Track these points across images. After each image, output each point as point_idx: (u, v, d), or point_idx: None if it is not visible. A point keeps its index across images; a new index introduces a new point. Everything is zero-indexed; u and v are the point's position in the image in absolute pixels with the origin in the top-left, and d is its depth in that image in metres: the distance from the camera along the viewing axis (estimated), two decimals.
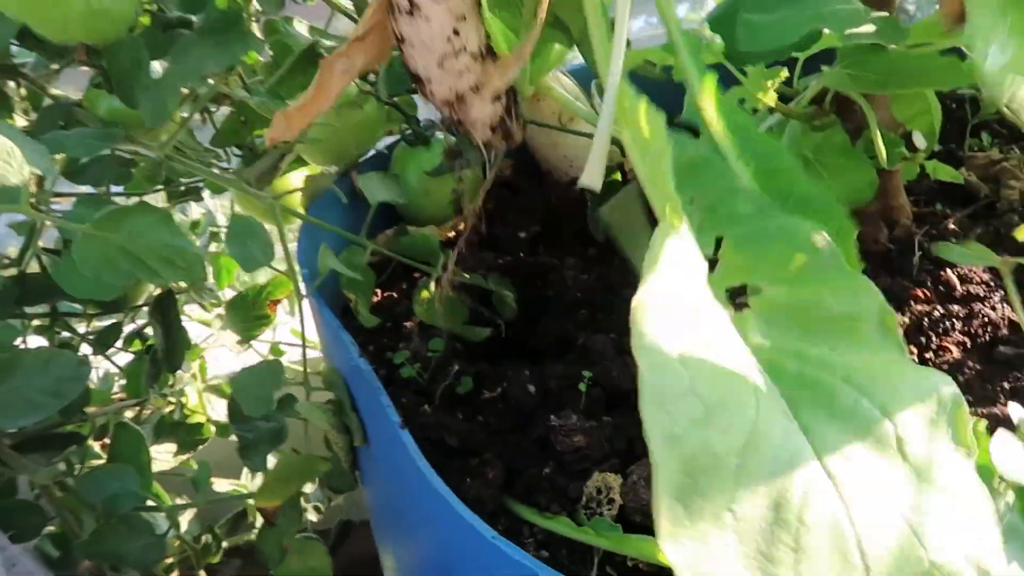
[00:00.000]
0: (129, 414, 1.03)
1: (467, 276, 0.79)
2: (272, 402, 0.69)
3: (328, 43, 0.80)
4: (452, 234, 0.91)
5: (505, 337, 0.81)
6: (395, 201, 0.83)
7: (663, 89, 0.76)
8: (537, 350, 0.79)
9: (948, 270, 0.73)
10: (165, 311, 0.88)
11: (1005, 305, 0.69)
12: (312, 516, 1.15)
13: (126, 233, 0.62)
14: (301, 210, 0.92)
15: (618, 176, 0.89)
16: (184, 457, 1.06)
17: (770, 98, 0.62)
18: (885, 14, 0.54)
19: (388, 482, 0.64)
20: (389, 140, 0.97)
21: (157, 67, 0.76)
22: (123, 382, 1.08)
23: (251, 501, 1.04)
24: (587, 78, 0.91)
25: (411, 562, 0.63)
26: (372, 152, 0.95)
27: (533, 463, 0.63)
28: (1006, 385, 0.64)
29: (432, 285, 0.77)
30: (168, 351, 0.88)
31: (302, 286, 0.76)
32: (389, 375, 0.73)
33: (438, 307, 0.75)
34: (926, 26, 0.68)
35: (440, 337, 0.75)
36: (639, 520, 0.57)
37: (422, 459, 0.54)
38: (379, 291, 0.85)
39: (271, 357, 1.16)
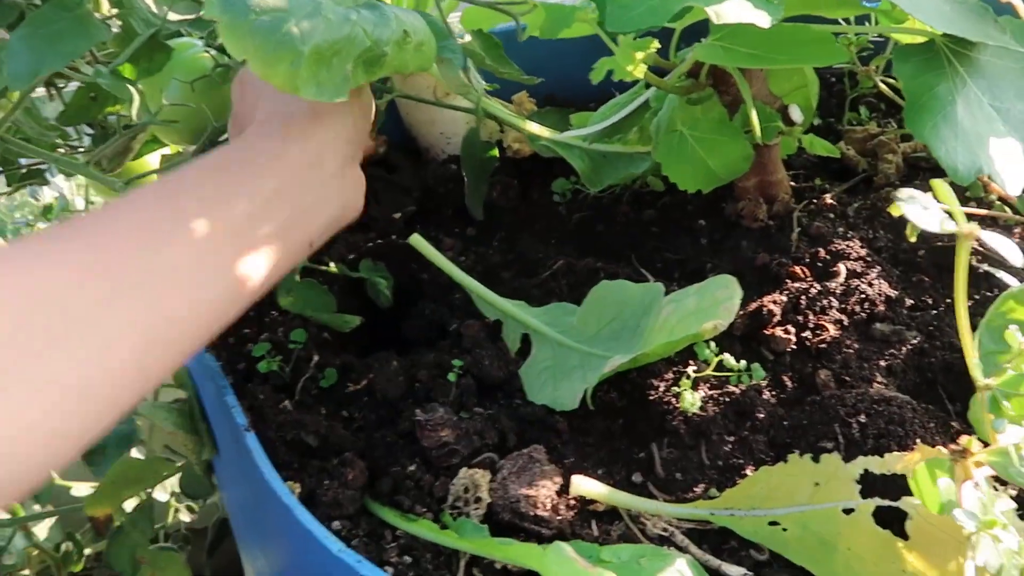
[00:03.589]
0: None
1: (332, 265, 0.75)
2: None
3: (174, 17, 0.74)
4: None
5: (377, 324, 0.76)
6: None
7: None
8: (410, 338, 0.75)
9: (826, 246, 0.71)
10: None
11: (882, 281, 0.68)
12: (185, 516, 1.09)
13: None
14: None
15: (495, 152, 0.86)
16: None
17: (639, 70, 0.59)
18: None
19: (238, 488, 0.59)
20: None
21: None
22: None
23: None
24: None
25: (268, 572, 0.58)
26: None
27: (399, 461, 0.59)
28: (882, 363, 0.63)
29: (296, 275, 0.72)
30: None
31: None
32: (249, 369, 0.68)
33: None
34: None
35: (306, 327, 0.71)
36: (507, 519, 0.54)
37: (267, 464, 0.50)
38: None
39: None
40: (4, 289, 0.40)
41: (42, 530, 1.06)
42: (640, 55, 0.59)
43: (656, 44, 0.60)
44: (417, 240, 0.73)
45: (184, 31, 0.85)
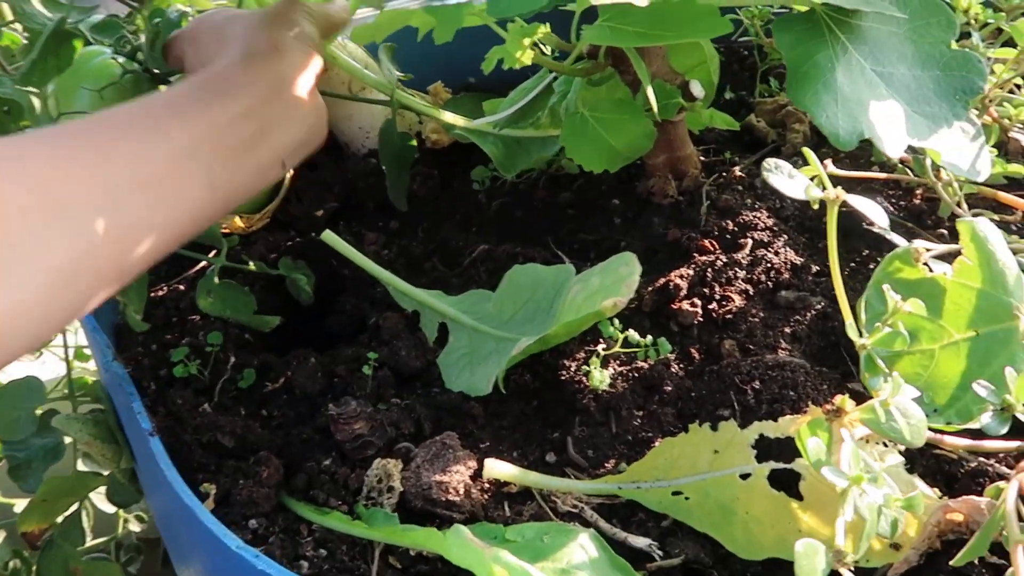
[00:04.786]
0: None
1: (252, 264, 0.75)
2: (35, 423, 0.63)
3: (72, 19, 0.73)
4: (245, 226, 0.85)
5: (299, 322, 0.77)
6: None
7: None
8: (332, 333, 0.75)
9: (735, 218, 0.72)
10: None
11: (788, 249, 0.70)
12: (135, 526, 1.09)
13: None
14: None
15: (414, 142, 0.86)
16: None
17: (527, 56, 0.59)
18: None
19: (156, 495, 0.60)
20: None
21: None
22: None
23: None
24: (374, 44, 0.87)
25: None
26: None
27: (314, 456, 0.60)
28: (787, 330, 0.64)
29: (216, 276, 0.72)
30: None
31: None
32: (171, 374, 0.68)
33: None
34: None
35: (225, 328, 0.71)
36: (420, 506, 0.55)
37: (170, 467, 0.50)
38: (165, 286, 0.79)
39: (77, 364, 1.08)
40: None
41: None
42: (527, 41, 0.59)
43: (544, 29, 0.61)
44: (330, 236, 0.73)
45: (92, 39, 0.84)
